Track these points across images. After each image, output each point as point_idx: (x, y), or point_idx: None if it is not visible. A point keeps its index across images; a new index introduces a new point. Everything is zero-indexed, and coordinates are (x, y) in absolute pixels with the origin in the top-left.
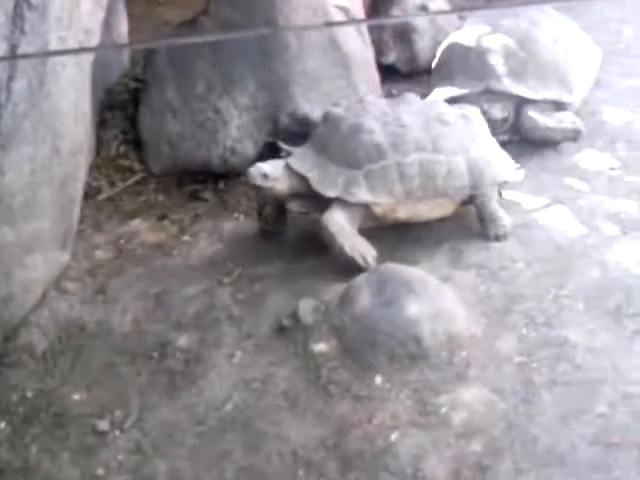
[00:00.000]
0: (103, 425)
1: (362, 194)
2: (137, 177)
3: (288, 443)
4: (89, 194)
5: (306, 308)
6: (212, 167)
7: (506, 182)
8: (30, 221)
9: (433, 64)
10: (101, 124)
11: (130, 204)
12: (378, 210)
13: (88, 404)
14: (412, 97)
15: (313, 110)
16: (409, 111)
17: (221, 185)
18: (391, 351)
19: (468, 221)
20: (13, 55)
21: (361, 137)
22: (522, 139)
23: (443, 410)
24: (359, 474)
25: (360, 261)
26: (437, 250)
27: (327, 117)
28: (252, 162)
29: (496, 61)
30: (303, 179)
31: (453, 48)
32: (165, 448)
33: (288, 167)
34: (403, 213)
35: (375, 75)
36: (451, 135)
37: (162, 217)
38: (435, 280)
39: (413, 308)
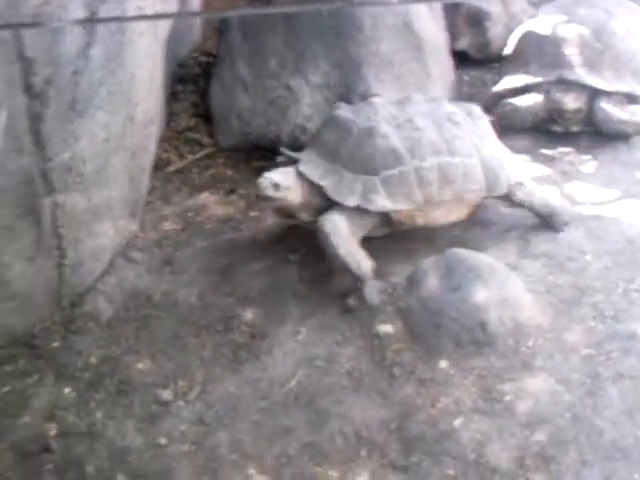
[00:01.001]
0: (167, 395)
1: (381, 201)
2: (206, 151)
3: (351, 423)
4: (158, 166)
5: (372, 289)
6: (281, 144)
7: (520, 183)
8: (101, 189)
9: (506, 51)
10: (172, 97)
11: (199, 177)
12: (395, 217)
13: (152, 373)
14: (417, 97)
15: (385, 91)
16: (419, 112)
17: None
18: (457, 336)
19: None
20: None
21: (376, 142)
22: (594, 131)
23: (508, 398)
24: (421, 457)
25: (354, 267)
26: (505, 238)
27: (333, 120)
28: None
29: (571, 51)
30: (316, 187)
31: (527, 36)
32: (228, 421)
33: (300, 175)
34: (420, 219)
35: (448, 60)
36: (463, 136)
37: (230, 191)
38: (503, 267)
39: (480, 294)
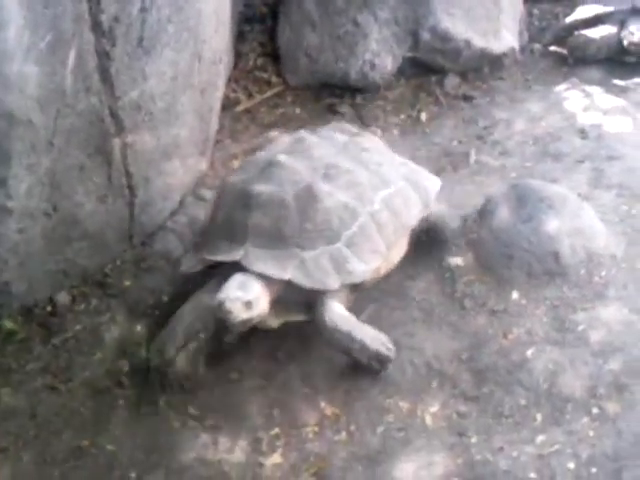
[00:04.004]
0: None
1: (359, 267)
2: (275, 90)
3: (422, 354)
4: (227, 105)
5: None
6: (350, 81)
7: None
8: (170, 127)
9: None
10: (239, 37)
11: (267, 116)
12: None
13: None
14: (305, 135)
15: (455, 25)
16: (330, 153)
17: (358, 99)
18: (529, 267)
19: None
20: None
21: (324, 203)
22: None
23: (580, 328)
24: (493, 388)
25: (384, 350)
26: (576, 169)
27: (254, 199)
28: (391, 77)
29: None
30: (277, 284)
31: None
32: (299, 355)
33: (260, 276)
34: (383, 269)
35: None
36: (382, 161)
37: (299, 129)
38: (575, 197)
39: (552, 224)
